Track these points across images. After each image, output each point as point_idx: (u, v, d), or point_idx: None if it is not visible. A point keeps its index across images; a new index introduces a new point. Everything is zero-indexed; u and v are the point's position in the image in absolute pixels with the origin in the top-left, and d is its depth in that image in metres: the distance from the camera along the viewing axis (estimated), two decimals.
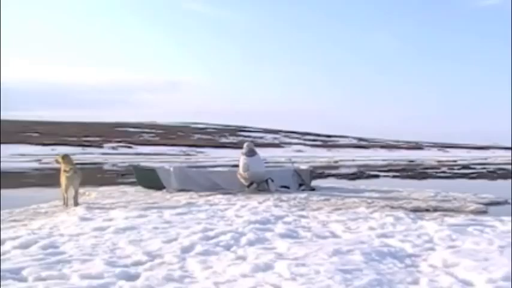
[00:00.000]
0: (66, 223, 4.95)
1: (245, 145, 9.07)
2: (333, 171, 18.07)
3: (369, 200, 7.21)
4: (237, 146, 54.86)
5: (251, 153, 8.93)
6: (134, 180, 10.08)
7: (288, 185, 9.15)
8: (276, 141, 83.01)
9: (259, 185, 8.70)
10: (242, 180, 8.79)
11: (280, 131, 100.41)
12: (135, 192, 8.55)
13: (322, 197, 7.62)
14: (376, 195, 8.10)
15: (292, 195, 7.86)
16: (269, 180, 8.70)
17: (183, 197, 7.65)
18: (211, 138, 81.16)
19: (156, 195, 8.12)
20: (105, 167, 22.86)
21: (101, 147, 52.85)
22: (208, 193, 8.16)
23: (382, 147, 78.27)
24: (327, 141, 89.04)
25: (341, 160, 36.89)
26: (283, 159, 33.54)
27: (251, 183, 8.66)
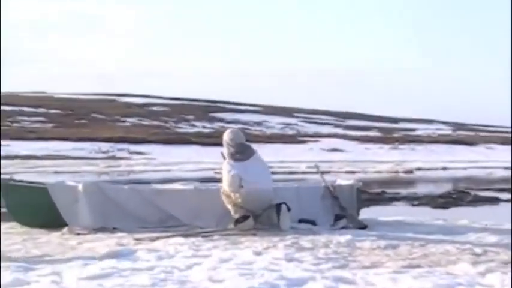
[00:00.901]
0: None
1: (228, 136, 8.98)
2: (404, 191, 18.09)
3: (478, 249, 7.22)
4: (211, 140, 54.82)
5: (244, 153, 8.89)
6: (3, 209, 10.04)
7: (312, 218, 9.25)
8: (289, 131, 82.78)
9: (260, 216, 8.71)
10: (229, 207, 8.79)
11: (298, 111, 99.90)
12: (5, 235, 8.51)
13: (382, 242, 7.65)
14: (493, 239, 8.13)
15: (323, 238, 7.89)
16: (283, 207, 8.70)
17: (103, 243, 7.65)
18: (159, 124, 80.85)
19: (49, 239, 8.11)
20: None
21: None
22: (154, 234, 8.19)
23: (503, 143, 78.44)
24: (390, 131, 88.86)
25: (419, 168, 36.91)
26: (303, 167, 33.29)
27: (245, 218, 8.63)
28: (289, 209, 8.74)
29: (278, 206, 8.72)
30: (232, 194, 8.71)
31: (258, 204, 8.72)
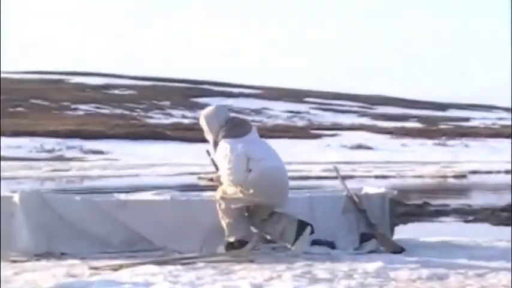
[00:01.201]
0: None
1: (213, 113, 9.07)
2: (454, 202, 18.17)
3: None
4: (193, 134, 54.91)
5: (239, 128, 8.83)
6: None
7: (330, 239, 9.33)
8: (299, 122, 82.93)
9: (282, 218, 8.60)
10: (224, 223, 8.67)
11: (310, 94, 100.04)
12: None
13: (425, 270, 7.68)
14: None
15: (344, 266, 7.99)
16: (307, 229, 8.61)
17: (48, 273, 7.71)
18: (123, 113, 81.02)
19: None
20: None
21: None
22: (117, 261, 8.27)
23: None
24: (435, 121, 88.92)
25: (475, 171, 36.96)
26: (317, 170, 33.24)
27: (242, 243, 8.55)
28: (312, 232, 8.67)
29: (301, 225, 8.57)
30: (238, 190, 8.53)
31: (276, 189, 8.60)
